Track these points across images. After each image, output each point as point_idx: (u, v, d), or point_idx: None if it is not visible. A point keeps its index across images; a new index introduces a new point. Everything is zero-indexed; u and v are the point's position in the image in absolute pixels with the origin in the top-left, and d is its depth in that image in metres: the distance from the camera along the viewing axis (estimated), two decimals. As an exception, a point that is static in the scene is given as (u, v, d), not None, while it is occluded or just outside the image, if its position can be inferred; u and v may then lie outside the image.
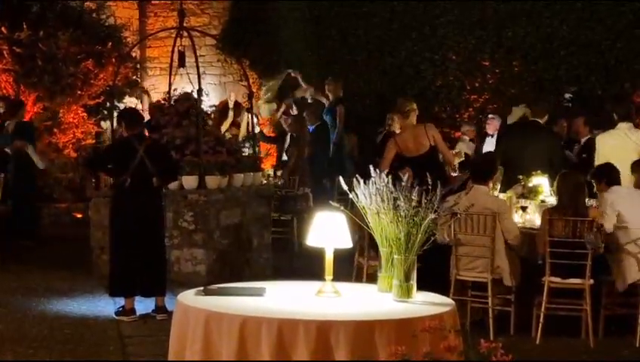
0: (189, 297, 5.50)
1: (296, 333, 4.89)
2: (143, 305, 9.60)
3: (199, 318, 5.16)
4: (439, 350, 4.13)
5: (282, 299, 5.50)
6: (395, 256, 5.45)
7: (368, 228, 5.64)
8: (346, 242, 5.61)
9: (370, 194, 5.55)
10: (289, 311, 5.15)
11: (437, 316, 5.11)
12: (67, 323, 9.15)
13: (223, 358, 5.01)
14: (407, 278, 5.43)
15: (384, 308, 5.27)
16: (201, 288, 5.64)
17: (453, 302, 5.54)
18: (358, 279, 9.58)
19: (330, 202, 5.76)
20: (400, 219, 5.43)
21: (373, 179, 5.57)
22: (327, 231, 5.55)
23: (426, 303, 5.42)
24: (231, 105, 15.18)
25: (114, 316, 9.43)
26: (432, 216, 5.39)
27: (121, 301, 9.59)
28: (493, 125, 15.26)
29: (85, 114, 17.38)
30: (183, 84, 12.79)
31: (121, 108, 15.44)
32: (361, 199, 5.59)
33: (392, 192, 5.50)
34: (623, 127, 10.48)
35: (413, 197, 5.44)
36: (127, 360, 8.01)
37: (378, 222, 5.53)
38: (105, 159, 10.25)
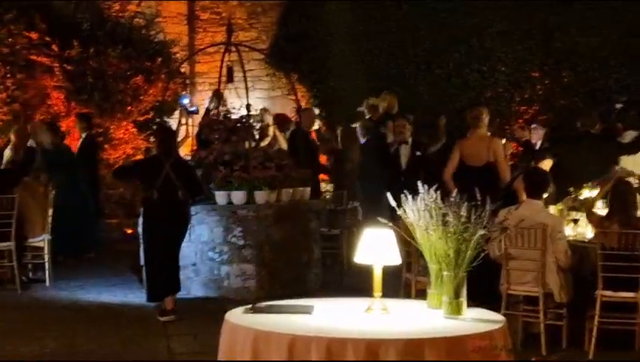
0: (237, 315, 5.46)
1: (345, 352, 4.83)
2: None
3: (247, 337, 5.12)
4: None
5: (330, 316, 5.44)
6: (445, 273, 5.38)
7: (416, 244, 5.57)
8: (395, 259, 5.55)
9: (419, 210, 5.49)
10: (337, 329, 5.09)
11: (487, 334, 5.02)
12: (118, 341, 9.17)
13: (272, 377, 4.98)
14: (457, 295, 5.37)
15: (434, 326, 5.20)
16: (249, 306, 5.60)
17: (504, 318, 5.44)
18: (407, 295, 9.50)
19: (379, 218, 5.69)
20: (449, 235, 5.36)
21: (421, 194, 5.51)
22: (375, 247, 5.49)
23: (477, 320, 5.33)
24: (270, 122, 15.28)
25: (164, 331, 9.51)
26: (481, 232, 5.32)
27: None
28: (537, 135, 15.11)
29: (135, 130, 17.50)
30: (232, 99, 12.85)
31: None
32: (409, 215, 5.53)
33: (440, 208, 5.44)
34: None
35: (462, 213, 5.37)
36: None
37: (427, 239, 5.46)
38: (132, 172, 11.20)
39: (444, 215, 5.43)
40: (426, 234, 5.45)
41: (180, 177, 10.17)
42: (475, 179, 10.56)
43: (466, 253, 5.37)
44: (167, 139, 10.65)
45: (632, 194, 8.83)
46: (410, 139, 13.89)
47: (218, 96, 13.36)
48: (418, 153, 13.86)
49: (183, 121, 14.93)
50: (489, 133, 11.58)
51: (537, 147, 14.53)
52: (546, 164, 11.11)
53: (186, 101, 17.70)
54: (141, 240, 10.96)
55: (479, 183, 10.10)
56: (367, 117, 14.83)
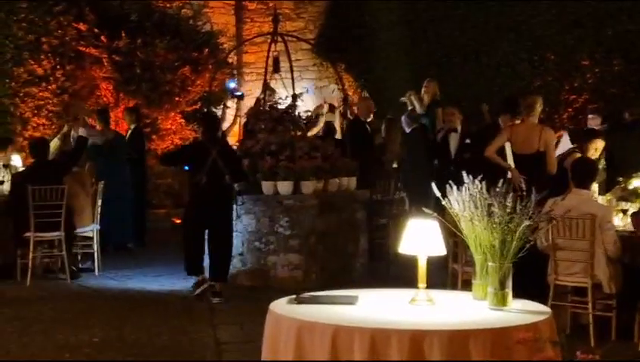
0: (281, 306, 5.45)
1: (389, 343, 4.81)
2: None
3: (291, 327, 5.11)
4: (535, 362, 4.00)
5: (375, 307, 5.42)
6: (490, 264, 5.33)
7: (462, 234, 5.52)
8: (440, 249, 5.50)
9: (464, 200, 5.43)
10: (382, 320, 5.07)
11: (533, 325, 4.97)
12: (165, 330, 9.21)
13: (316, 368, 4.96)
14: (503, 286, 5.31)
15: (479, 317, 5.16)
16: (294, 296, 5.59)
17: (549, 310, 5.38)
18: (453, 286, 9.44)
19: (424, 209, 5.65)
20: (494, 226, 5.31)
21: (466, 185, 5.46)
22: (420, 238, 5.46)
23: (522, 311, 5.28)
24: (325, 110, 15.30)
25: (210, 321, 9.53)
26: (527, 222, 5.26)
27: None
28: (594, 123, 14.91)
29: (183, 120, 17.57)
30: (279, 89, 12.85)
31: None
32: (454, 206, 5.48)
33: (485, 198, 5.38)
34: None
35: (507, 204, 5.31)
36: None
37: (472, 229, 5.41)
38: (179, 157, 11.72)
39: (490, 205, 5.37)
40: (471, 225, 5.40)
41: (227, 163, 10.59)
42: (524, 167, 10.50)
43: (512, 244, 5.31)
44: (212, 126, 11.05)
45: None
46: (459, 128, 13.72)
47: (268, 88, 13.38)
48: (468, 141, 13.70)
49: (229, 103, 14.94)
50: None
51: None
52: (598, 145, 10.99)
53: (232, 85, 17.74)
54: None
55: (527, 171, 10.05)
56: (409, 108, 14.72)
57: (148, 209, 15.74)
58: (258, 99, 13.45)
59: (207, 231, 10.72)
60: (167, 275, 12.17)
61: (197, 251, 10.79)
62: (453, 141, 13.63)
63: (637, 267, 8.68)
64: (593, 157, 11.01)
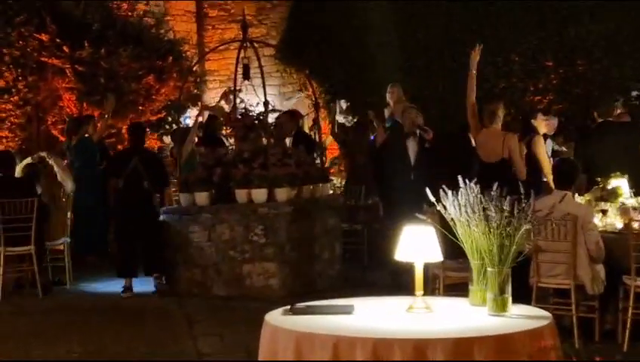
0: (276, 317, 5.34)
1: (392, 353, 4.71)
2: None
3: (289, 339, 5.00)
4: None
5: (373, 316, 5.32)
6: (489, 269, 5.25)
7: (457, 239, 5.44)
8: (436, 255, 5.43)
9: (460, 204, 5.36)
10: (382, 329, 4.98)
11: (537, 331, 4.92)
12: (143, 343, 9.06)
13: (317, 380, 4.87)
14: (502, 291, 5.24)
15: (480, 324, 5.07)
16: (288, 307, 5.48)
17: (550, 314, 5.32)
18: (432, 291, 9.32)
19: (418, 215, 5.58)
20: (492, 230, 5.24)
21: (461, 189, 5.39)
22: (416, 244, 5.37)
23: (523, 317, 5.21)
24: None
25: (189, 332, 9.44)
26: (526, 226, 5.20)
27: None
28: (551, 125, 14.84)
29: (148, 129, 17.35)
30: (248, 96, 12.76)
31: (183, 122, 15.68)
32: (450, 210, 5.40)
33: (481, 202, 5.31)
34: None
35: (504, 208, 5.24)
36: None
37: (469, 234, 5.34)
38: (112, 167, 12.54)
39: (485, 209, 5.30)
40: (468, 230, 5.33)
41: (148, 169, 11.54)
42: (491, 175, 10.32)
43: (510, 248, 5.24)
44: (138, 135, 11.95)
45: None
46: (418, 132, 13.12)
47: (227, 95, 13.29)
48: (427, 145, 13.19)
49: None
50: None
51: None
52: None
53: (188, 121, 17.68)
54: None
55: (495, 180, 9.91)
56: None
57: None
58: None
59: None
60: (137, 284, 11.93)
61: (124, 254, 11.71)
62: (412, 147, 12.91)
63: (617, 266, 8.66)
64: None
